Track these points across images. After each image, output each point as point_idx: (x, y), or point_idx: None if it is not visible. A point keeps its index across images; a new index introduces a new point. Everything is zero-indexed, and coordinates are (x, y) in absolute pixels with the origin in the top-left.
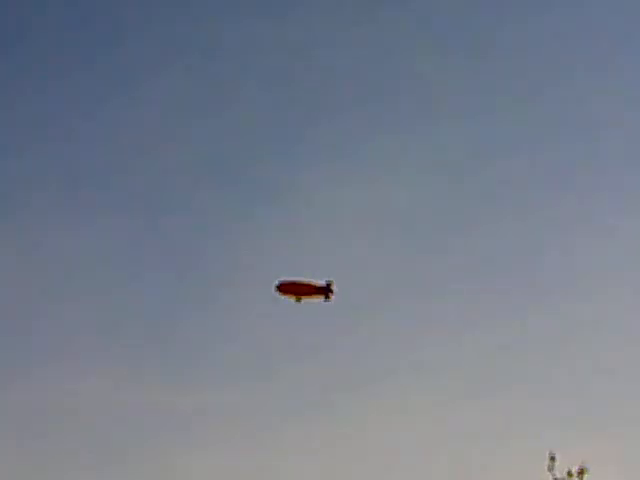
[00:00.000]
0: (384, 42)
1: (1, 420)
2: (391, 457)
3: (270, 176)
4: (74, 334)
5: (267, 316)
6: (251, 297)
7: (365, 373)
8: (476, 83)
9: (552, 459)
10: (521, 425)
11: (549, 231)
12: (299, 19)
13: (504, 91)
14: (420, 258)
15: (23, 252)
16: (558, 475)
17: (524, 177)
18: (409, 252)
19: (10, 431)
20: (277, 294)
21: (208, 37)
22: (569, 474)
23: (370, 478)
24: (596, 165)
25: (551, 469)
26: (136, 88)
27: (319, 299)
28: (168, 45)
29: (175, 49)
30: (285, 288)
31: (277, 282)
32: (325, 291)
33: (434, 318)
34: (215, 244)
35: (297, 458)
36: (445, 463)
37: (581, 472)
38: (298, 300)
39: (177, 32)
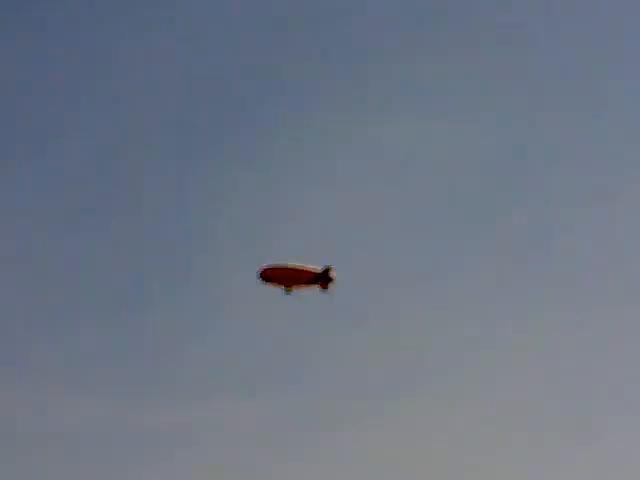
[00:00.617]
0: None
1: None
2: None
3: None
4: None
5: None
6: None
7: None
8: None
9: None
10: None
11: None
12: None
13: None
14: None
15: None
16: None
17: None
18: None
19: None
20: (262, 283)
21: None
22: None
23: None
24: None
25: None
26: None
27: (314, 289)
28: None
29: None
30: (271, 275)
31: (261, 268)
32: (322, 279)
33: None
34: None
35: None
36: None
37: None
38: (288, 291)
39: None
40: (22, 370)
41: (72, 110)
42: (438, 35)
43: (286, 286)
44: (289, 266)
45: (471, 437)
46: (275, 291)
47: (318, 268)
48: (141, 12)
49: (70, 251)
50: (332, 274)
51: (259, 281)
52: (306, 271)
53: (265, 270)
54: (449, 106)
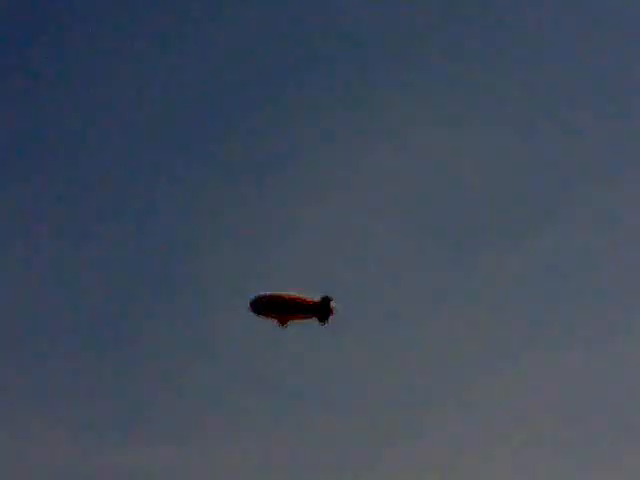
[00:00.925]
0: None
1: None
2: None
3: None
4: None
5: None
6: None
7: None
8: None
9: None
10: None
11: None
12: None
13: None
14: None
15: None
16: None
17: None
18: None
19: None
20: (253, 314)
21: None
22: None
23: None
24: None
25: None
26: None
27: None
28: None
29: None
30: (264, 305)
31: (252, 297)
32: (321, 310)
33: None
34: None
35: None
36: None
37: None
38: (283, 324)
39: None
40: None
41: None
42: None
43: (281, 318)
44: (284, 295)
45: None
46: (268, 324)
47: (316, 298)
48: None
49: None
50: (332, 305)
51: (250, 313)
52: (303, 301)
53: (257, 300)
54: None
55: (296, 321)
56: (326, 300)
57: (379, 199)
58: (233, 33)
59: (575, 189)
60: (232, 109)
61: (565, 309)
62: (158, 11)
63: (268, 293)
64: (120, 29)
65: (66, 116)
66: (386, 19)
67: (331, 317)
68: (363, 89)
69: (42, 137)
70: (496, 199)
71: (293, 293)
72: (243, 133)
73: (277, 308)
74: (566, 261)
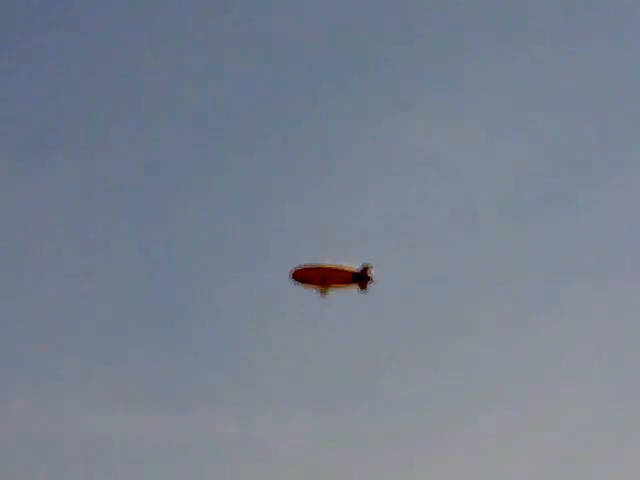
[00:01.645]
0: None
1: None
2: None
3: None
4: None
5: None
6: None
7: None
8: None
9: None
10: None
11: None
12: None
13: None
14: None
15: None
16: None
17: None
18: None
19: None
20: (295, 283)
21: None
22: None
23: None
24: None
25: None
26: None
27: (352, 289)
28: None
29: None
30: (305, 275)
31: (293, 268)
32: (360, 278)
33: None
34: None
35: None
36: None
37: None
38: (324, 291)
39: None
40: None
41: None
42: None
43: (321, 287)
44: (324, 265)
45: None
46: (309, 292)
47: (355, 267)
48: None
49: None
50: (371, 273)
51: (292, 282)
52: (343, 270)
53: (298, 270)
54: None
55: (337, 289)
56: (365, 268)
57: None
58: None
59: None
60: None
61: None
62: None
63: (309, 263)
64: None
65: None
66: None
67: (370, 284)
68: None
69: None
70: None
71: (333, 263)
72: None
73: (318, 277)
74: None
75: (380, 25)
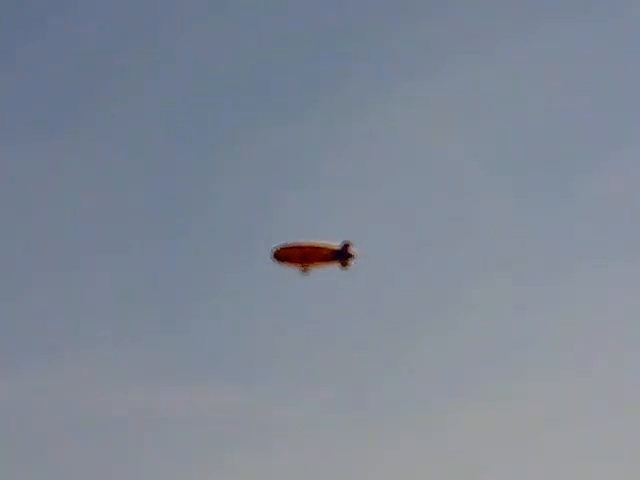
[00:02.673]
0: None
1: None
2: None
3: None
4: None
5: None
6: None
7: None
8: None
9: None
10: None
11: None
12: None
13: None
14: None
15: None
16: None
17: None
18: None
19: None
20: (276, 263)
21: None
22: None
23: None
24: None
25: None
26: None
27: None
28: None
29: None
30: (286, 254)
31: (274, 248)
32: (341, 256)
33: None
34: None
35: None
36: None
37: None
38: (305, 270)
39: None
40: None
41: None
42: None
43: (303, 265)
44: (304, 244)
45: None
46: (291, 271)
47: (336, 244)
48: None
49: None
50: (352, 250)
51: (273, 261)
52: (323, 248)
53: (279, 250)
54: None
55: (318, 266)
56: (346, 245)
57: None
58: None
59: None
60: None
61: None
62: None
63: (289, 242)
64: None
65: None
66: None
67: (351, 261)
68: None
69: None
70: None
71: (314, 241)
72: None
73: (299, 256)
74: None
75: None
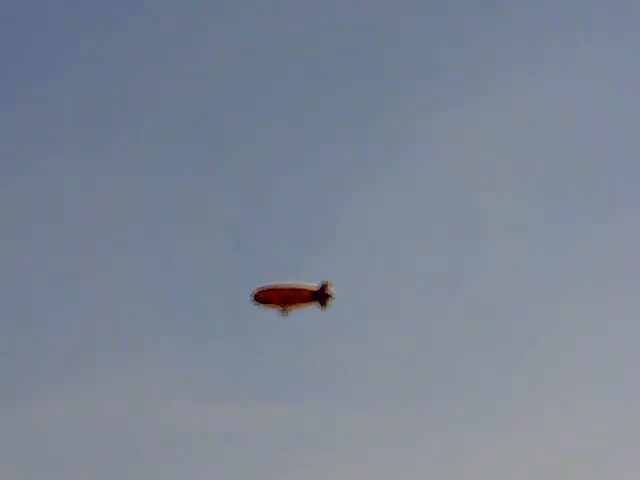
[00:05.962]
0: None
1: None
2: None
3: None
4: None
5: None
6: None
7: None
8: None
9: None
10: None
11: None
12: None
13: None
14: None
15: None
16: None
17: None
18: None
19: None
20: (256, 305)
21: None
22: None
23: None
24: None
25: None
26: None
27: (312, 307)
28: None
29: None
30: (267, 297)
31: (255, 290)
32: (320, 296)
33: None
34: None
35: None
36: None
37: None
38: (284, 311)
39: None
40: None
41: None
42: None
43: (282, 307)
44: (284, 286)
45: None
46: (271, 313)
47: (314, 285)
48: None
49: None
50: (329, 290)
51: (253, 304)
52: (302, 289)
53: (259, 292)
54: None
55: (298, 308)
56: (324, 286)
57: None
58: None
59: None
60: None
61: None
62: None
63: (269, 285)
64: None
65: None
66: None
67: (330, 302)
68: None
69: None
70: None
71: (292, 283)
72: None
73: (279, 298)
74: None
75: None
